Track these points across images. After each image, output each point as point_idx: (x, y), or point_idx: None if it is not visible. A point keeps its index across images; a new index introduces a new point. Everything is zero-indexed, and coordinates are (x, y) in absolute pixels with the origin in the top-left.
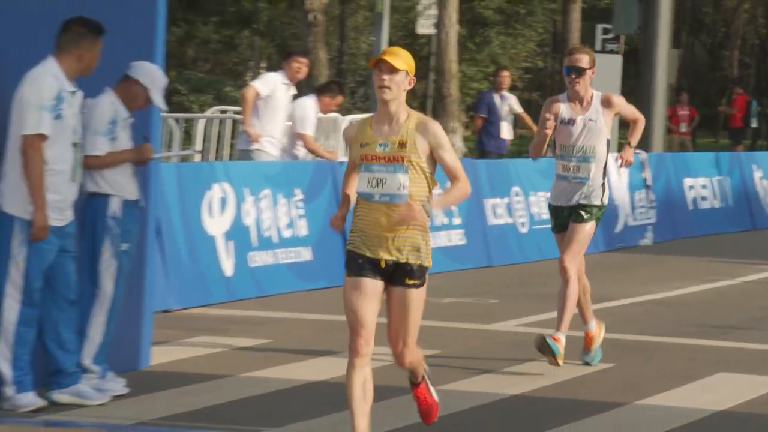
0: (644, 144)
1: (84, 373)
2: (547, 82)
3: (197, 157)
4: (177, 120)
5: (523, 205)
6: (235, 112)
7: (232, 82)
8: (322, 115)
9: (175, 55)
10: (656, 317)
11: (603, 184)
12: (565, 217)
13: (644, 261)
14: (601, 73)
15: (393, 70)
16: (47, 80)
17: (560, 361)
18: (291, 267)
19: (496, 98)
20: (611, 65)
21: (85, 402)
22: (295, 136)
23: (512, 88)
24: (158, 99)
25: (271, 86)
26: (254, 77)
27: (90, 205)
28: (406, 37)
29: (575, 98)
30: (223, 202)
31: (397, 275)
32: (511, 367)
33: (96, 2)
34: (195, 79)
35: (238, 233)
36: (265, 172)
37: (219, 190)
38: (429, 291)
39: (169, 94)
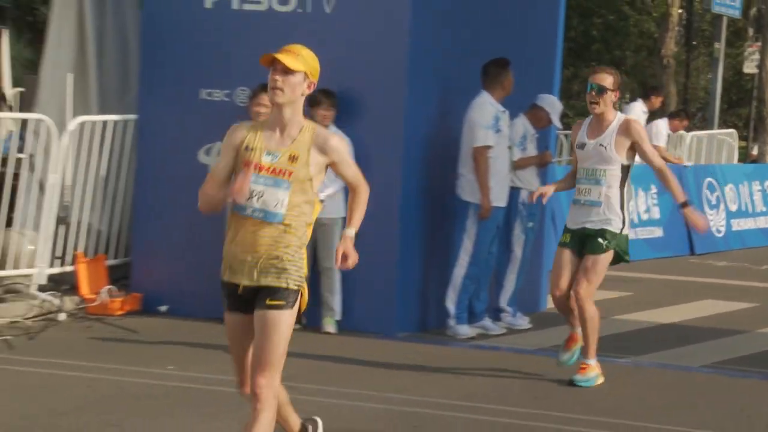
0: None
1: (500, 313)
2: None
3: None
4: (566, 135)
5: None
6: None
7: None
8: (671, 133)
9: (566, 89)
10: None
11: (621, 213)
12: (578, 239)
13: None
14: None
15: (287, 71)
16: (487, 107)
17: (601, 379)
18: (647, 241)
19: None
20: None
21: (488, 333)
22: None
23: None
24: (556, 120)
25: (635, 113)
26: (620, 107)
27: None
28: (734, 75)
29: (595, 119)
30: None
31: (259, 298)
32: None
33: (515, 53)
34: (578, 106)
35: None
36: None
37: None
38: (751, 259)
39: (561, 117)
